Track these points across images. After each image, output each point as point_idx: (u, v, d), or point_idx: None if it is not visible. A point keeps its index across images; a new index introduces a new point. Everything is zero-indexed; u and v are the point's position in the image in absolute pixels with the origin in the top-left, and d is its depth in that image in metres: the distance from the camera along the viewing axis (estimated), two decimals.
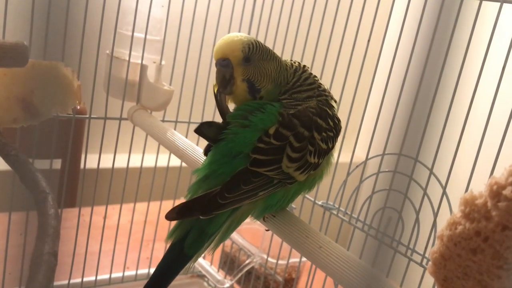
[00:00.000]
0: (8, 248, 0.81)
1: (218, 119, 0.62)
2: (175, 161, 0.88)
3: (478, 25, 0.61)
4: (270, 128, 0.56)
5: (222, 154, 0.56)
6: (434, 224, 0.65)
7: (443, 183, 0.65)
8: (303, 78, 0.62)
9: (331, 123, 0.60)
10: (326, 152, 0.60)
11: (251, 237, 1.06)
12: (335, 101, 0.63)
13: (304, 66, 0.64)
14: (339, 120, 0.62)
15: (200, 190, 0.56)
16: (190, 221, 0.55)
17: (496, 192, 0.39)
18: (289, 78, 0.61)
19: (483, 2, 0.61)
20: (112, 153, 0.90)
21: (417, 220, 0.67)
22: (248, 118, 0.57)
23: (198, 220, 0.54)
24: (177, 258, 0.55)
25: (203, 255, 1.00)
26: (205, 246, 0.56)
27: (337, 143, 0.63)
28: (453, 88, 0.62)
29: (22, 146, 0.73)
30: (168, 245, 0.56)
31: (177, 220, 0.56)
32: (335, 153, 0.80)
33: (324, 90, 0.63)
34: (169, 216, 0.53)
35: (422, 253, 0.67)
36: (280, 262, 0.97)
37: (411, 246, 0.68)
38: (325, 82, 0.66)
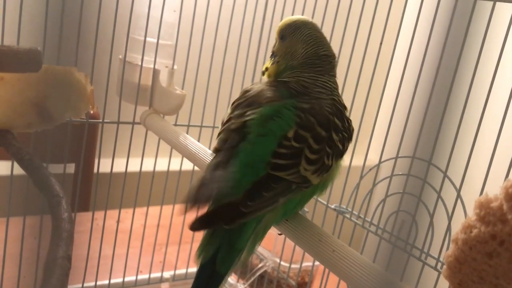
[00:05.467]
0: (22, 252, 0.82)
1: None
2: (188, 165, 0.88)
3: (492, 26, 0.60)
4: (289, 132, 0.55)
5: (243, 164, 0.55)
6: (449, 228, 0.64)
7: (458, 186, 0.64)
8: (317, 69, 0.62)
9: (345, 124, 0.60)
10: (341, 154, 0.59)
11: (264, 240, 1.06)
12: (345, 107, 0.63)
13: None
14: (350, 122, 0.62)
15: (223, 201, 0.55)
16: (218, 239, 0.54)
17: (511, 195, 0.39)
18: (298, 56, 0.63)
19: (497, 3, 0.60)
20: (125, 157, 0.90)
21: (431, 224, 0.66)
22: (266, 125, 0.56)
23: (226, 236, 0.54)
24: (210, 278, 0.53)
25: None
26: (236, 261, 0.54)
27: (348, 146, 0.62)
28: (467, 90, 0.62)
29: (36, 151, 0.73)
30: (198, 266, 0.54)
31: (201, 230, 0.54)
32: (348, 156, 0.80)
33: (336, 89, 0.63)
34: (194, 227, 0.52)
35: (436, 257, 0.67)
36: (293, 266, 0.97)
37: (425, 249, 0.67)
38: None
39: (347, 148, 0.61)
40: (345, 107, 0.62)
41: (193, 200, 0.52)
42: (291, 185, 0.55)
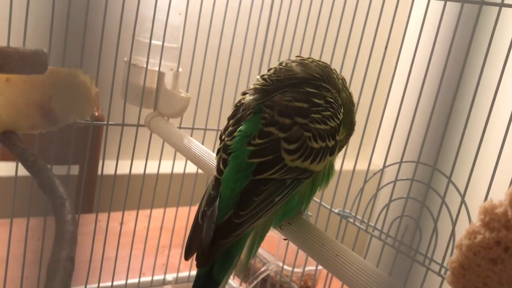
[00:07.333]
0: (26, 253, 0.82)
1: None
2: (192, 168, 0.89)
3: (498, 32, 0.60)
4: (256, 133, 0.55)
5: (234, 171, 0.55)
6: (453, 233, 0.64)
7: (462, 191, 0.64)
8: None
9: (319, 102, 0.57)
10: (334, 131, 0.57)
11: (267, 244, 1.05)
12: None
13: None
14: (335, 99, 0.59)
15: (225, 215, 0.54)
16: None
17: None
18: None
19: (503, 8, 0.60)
20: (129, 160, 0.90)
21: (435, 229, 0.66)
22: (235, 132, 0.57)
23: None
24: (206, 285, 0.53)
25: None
26: (232, 268, 0.54)
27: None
28: (472, 95, 0.62)
29: (41, 152, 0.73)
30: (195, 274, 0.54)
31: (208, 262, 0.53)
32: (352, 161, 0.80)
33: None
34: (200, 263, 0.52)
35: (440, 262, 0.66)
36: (296, 270, 0.97)
37: (429, 255, 0.67)
38: None
39: (340, 124, 0.58)
40: (322, 87, 0.59)
41: (188, 251, 0.54)
42: (285, 181, 0.54)
